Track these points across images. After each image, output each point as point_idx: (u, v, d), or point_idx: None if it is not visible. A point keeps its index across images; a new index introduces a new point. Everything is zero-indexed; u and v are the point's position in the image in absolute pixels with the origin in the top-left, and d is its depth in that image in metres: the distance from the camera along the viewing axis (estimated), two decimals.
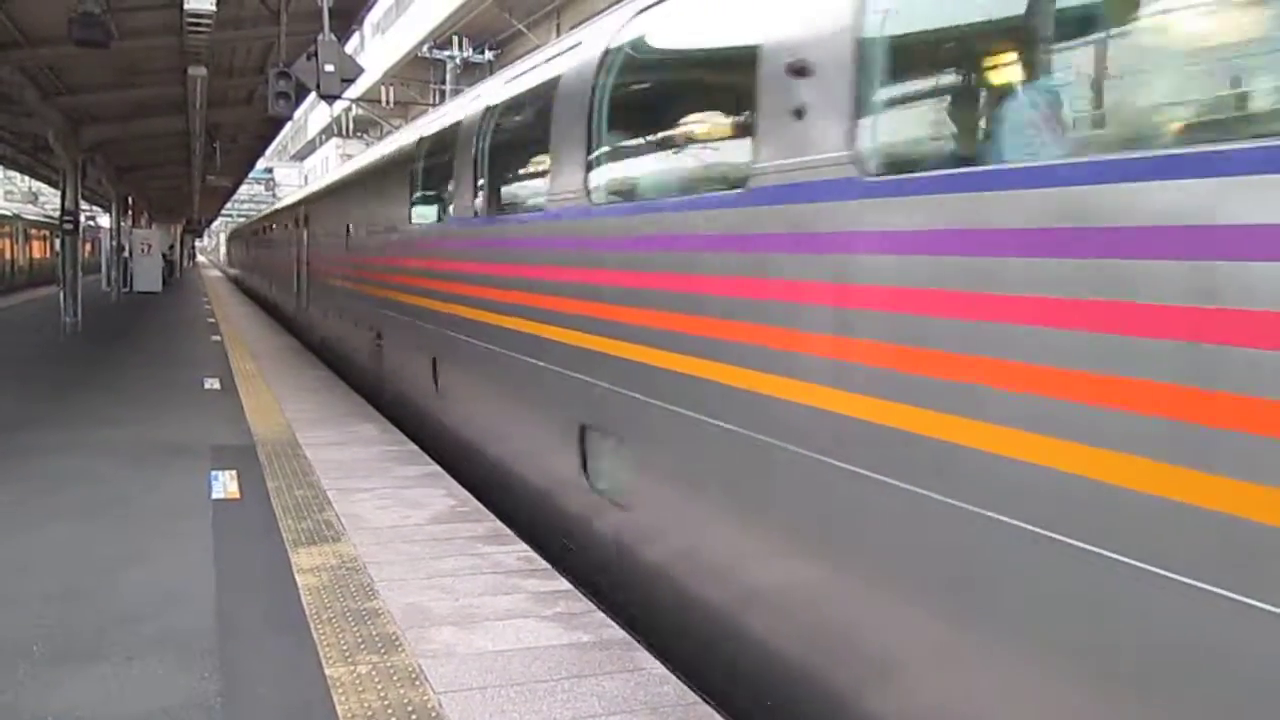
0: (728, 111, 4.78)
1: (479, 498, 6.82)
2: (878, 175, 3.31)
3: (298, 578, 5.10)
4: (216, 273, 58.28)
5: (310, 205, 17.82)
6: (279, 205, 28.49)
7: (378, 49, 37.45)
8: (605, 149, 5.50)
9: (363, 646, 4.23)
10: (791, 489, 3.73)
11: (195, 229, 67.80)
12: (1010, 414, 2.78)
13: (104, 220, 40.71)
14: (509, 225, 6.98)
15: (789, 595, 3.86)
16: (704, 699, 3.90)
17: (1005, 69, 3.45)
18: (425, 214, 9.67)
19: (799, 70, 3.61)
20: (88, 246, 40.86)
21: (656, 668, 4.09)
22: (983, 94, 3.53)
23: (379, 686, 3.85)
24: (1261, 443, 2.20)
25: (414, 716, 3.61)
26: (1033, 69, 3.26)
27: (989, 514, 2.84)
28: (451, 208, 8.52)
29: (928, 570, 3.13)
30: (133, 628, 4.43)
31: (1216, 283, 2.26)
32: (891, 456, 3.19)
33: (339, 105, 36.04)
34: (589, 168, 5.49)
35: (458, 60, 30.07)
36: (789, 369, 3.69)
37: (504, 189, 7.74)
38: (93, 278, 34.62)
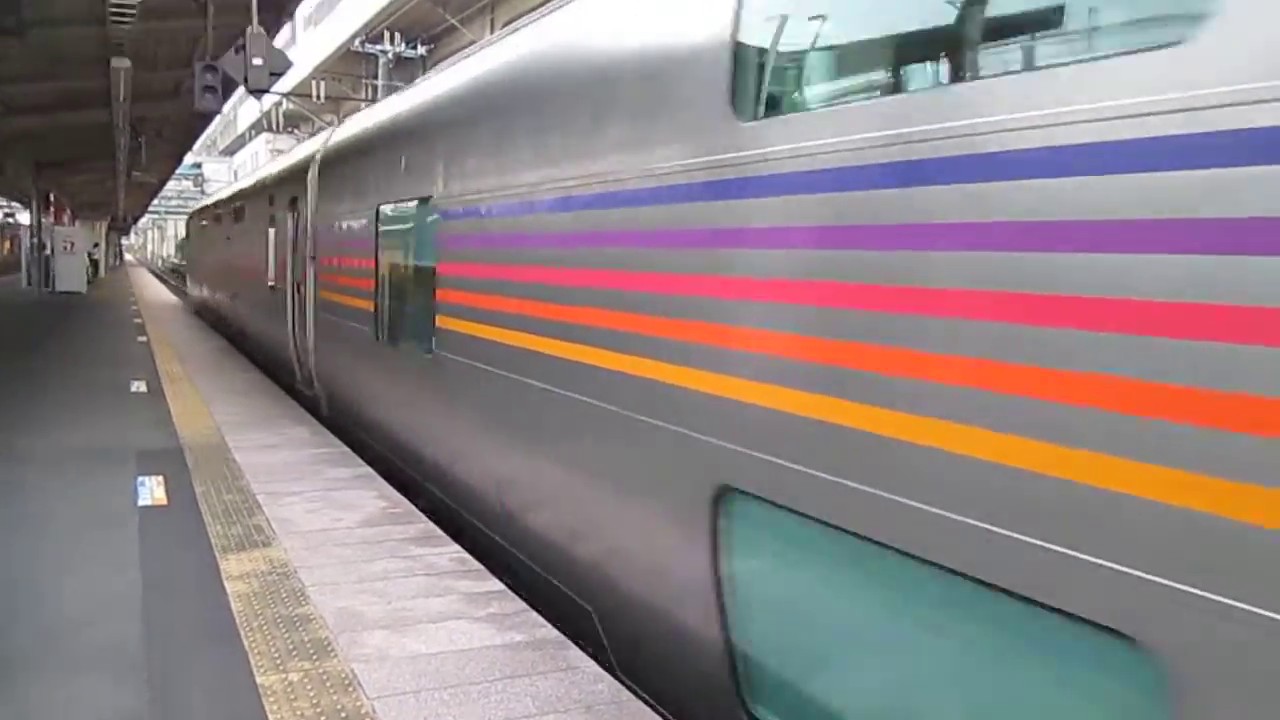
0: None
1: None
2: None
3: (227, 585, 5.04)
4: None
5: None
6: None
7: (309, 43, 36.87)
8: None
9: (294, 653, 4.20)
10: None
11: (121, 227, 66.16)
12: None
13: (24, 217, 39.44)
14: None
15: None
16: (638, 694, 3.95)
17: None
18: None
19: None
20: (7, 244, 39.55)
21: (590, 666, 4.13)
22: None
23: (311, 694, 3.83)
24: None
25: None
26: None
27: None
28: None
29: None
30: (58, 641, 4.34)
31: None
32: None
33: (269, 100, 35.44)
34: None
35: (390, 55, 29.74)
36: None
37: None
38: (13, 277, 33.53)
